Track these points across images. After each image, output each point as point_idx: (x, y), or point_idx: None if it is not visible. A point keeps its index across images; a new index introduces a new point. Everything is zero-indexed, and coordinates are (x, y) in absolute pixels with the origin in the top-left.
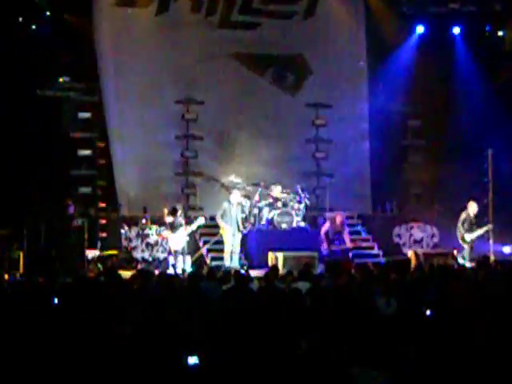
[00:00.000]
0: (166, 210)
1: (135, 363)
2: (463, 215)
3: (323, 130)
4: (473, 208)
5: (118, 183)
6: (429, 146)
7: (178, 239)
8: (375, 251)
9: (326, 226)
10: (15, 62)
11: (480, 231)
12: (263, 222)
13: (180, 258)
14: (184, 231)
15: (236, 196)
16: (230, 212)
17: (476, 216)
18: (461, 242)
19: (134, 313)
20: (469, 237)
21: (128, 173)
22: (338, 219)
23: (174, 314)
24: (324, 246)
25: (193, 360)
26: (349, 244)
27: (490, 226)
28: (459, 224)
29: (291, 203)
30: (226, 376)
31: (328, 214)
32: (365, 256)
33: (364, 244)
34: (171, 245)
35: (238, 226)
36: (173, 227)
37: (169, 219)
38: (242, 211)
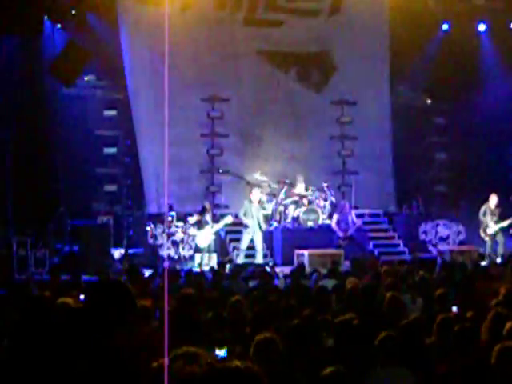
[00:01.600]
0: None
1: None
2: (483, 207)
3: (348, 128)
4: (493, 200)
5: (145, 181)
6: (454, 142)
7: (205, 237)
8: (401, 248)
9: (334, 218)
10: (42, 61)
11: (504, 223)
12: (289, 219)
13: (206, 255)
14: (210, 229)
15: (256, 194)
16: (251, 210)
17: (498, 208)
18: (482, 234)
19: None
20: (491, 229)
21: (154, 171)
22: (341, 206)
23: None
24: (340, 236)
25: (221, 352)
26: (357, 222)
27: None
28: (480, 216)
29: (317, 201)
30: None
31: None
32: (391, 254)
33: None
34: (198, 242)
35: (259, 225)
36: (200, 225)
37: (196, 217)
38: (263, 209)
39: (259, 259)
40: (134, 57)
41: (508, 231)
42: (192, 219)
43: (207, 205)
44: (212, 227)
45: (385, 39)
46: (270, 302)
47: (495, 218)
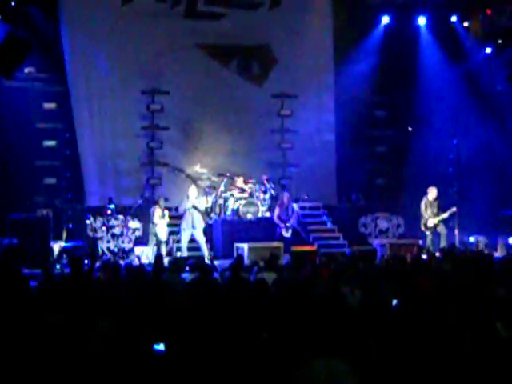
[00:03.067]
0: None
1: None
2: (423, 201)
3: (289, 121)
4: (432, 193)
5: (85, 174)
6: (394, 135)
7: (164, 229)
8: (341, 241)
9: (276, 211)
10: None
11: (444, 215)
12: (229, 212)
13: (164, 247)
14: (165, 221)
15: (193, 191)
16: (187, 206)
17: (437, 201)
18: (423, 228)
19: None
20: (431, 222)
21: (94, 163)
22: (285, 198)
23: (141, 305)
24: (282, 227)
25: (159, 347)
26: (296, 210)
27: (453, 209)
28: (422, 210)
29: (256, 193)
30: (190, 363)
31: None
32: (330, 246)
33: (305, 196)
34: (159, 234)
35: (193, 222)
36: (161, 217)
37: (158, 209)
38: (195, 208)
39: (205, 253)
40: (73, 49)
41: (448, 224)
42: (157, 212)
43: (159, 197)
44: (164, 219)
45: (327, 32)
46: (208, 295)
47: (435, 211)
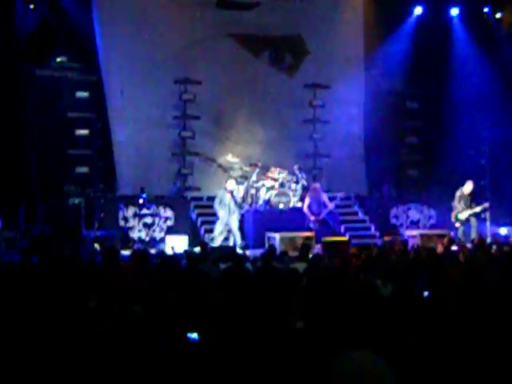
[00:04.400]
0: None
1: (140, 339)
2: (458, 193)
3: (320, 111)
4: (468, 186)
5: (117, 163)
6: (425, 127)
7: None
8: (372, 232)
9: (306, 201)
10: (14, 43)
11: (476, 209)
12: (260, 202)
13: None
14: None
15: (231, 184)
16: (225, 199)
17: (472, 195)
18: (453, 220)
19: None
20: (463, 215)
21: (126, 153)
22: (313, 188)
23: (174, 294)
24: (312, 220)
25: (193, 336)
26: (330, 205)
27: (486, 205)
28: (455, 202)
29: (288, 183)
30: (223, 352)
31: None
32: (362, 237)
33: (340, 194)
34: (232, 224)
35: (229, 211)
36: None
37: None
38: (235, 201)
39: (238, 242)
40: (106, 38)
41: (480, 216)
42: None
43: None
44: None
45: (358, 23)
46: (241, 285)
47: (468, 204)
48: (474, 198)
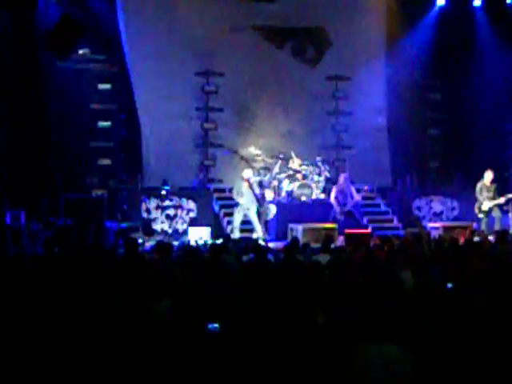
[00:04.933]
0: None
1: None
2: (479, 184)
3: (343, 103)
4: (488, 176)
5: (144, 155)
6: (449, 118)
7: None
8: (395, 224)
9: (333, 192)
10: (36, 35)
11: (499, 200)
12: (283, 194)
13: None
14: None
15: (247, 173)
16: (242, 189)
17: (493, 184)
18: (476, 211)
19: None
20: (486, 205)
21: (149, 144)
22: (341, 179)
23: (196, 285)
24: (337, 211)
25: (214, 326)
26: (356, 197)
27: (510, 196)
28: (477, 193)
29: (311, 175)
30: (245, 343)
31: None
32: (384, 229)
33: (366, 187)
34: (271, 213)
35: (247, 203)
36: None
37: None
38: (252, 189)
39: (259, 233)
40: (129, 30)
41: (503, 207)
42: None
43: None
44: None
45: (380, 14)
46: (263, 277)
47: (491, 195)
48: (496, 189)
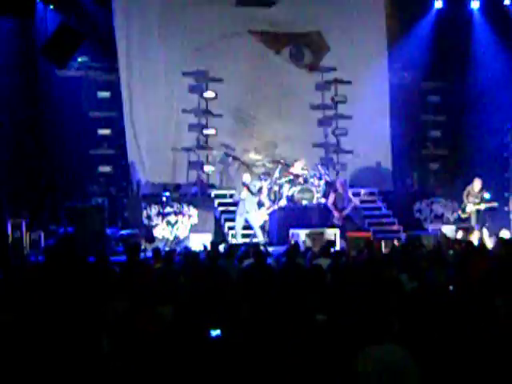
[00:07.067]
0: None
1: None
2: (467, 188)
3: (343, 107)
4: (476, 184)
5: (138, 161)
6: (448, 120)
7: (261, 216)
8: (396, 227)
9: (331, 197)
10: (34, 43)
11: (481, 206)
12: (284, 198)
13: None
14: (266, 210)
15: (245, 178)
16: (242, 194)
17: (481, 192)
18: (460, 212)
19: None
20: (469, 208)
21: (148, 151)
22: (338, 184)
23: (197, 291)
24: (336, 216)
25: (215, 333)
26: (354, 201)
27: (494, 204)
28: (464, 196)
29: (311, 180)
30: (246, 348)
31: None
32: (386, 232)
33: (363, 191)
34: (253, 221)
35: (246, 207)
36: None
37: (259, 197)
38: (250, 191)
39: (260, 238)
40: (125, 37)
41: (502, 210)
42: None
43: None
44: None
45: (379, 17)
46: (263, 281)
47: (477, 201)
48: (483, 198)
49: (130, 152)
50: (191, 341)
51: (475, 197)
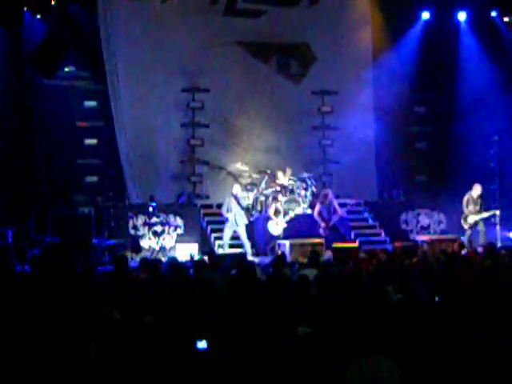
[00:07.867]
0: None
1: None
2: (466, 197)
3: (329, 118)
4: (476, 190)
5: (125, 172)
6: (434, 132)
7: (278, 225)
8: (382, 237)
9: (317, 208)
10: (22, 53)
11: (485, 214)
12: (270, 209)
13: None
14: (283, 218)
15: (236, 189)
16: (231, 205)
17: (481, 198)
18: (462, 222)
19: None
20: (472, 218)
21: (134, 161)
22: (324, 195)
23: (182, 302)
24: (322, 226)
25: (202, 344)
26: (340, 211)
27: (497, 212)
28: (463, 205)
29: (297, 190)
30: (232, 359)
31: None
32: (372, 243)
33: (351, 201)
34: (272, 230)
35: (236, 219)
36: (276, 213)
37: (273, 206)
38: (240, 204)
39: (248, 250)
40: (114, 47)
41: (489, 221)
42: (271, 210)
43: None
44: (284, 216)
45: (366, 28)
46: (249, 292)
47: (477, 208)
48: (483, 203)
49: (122, 160)
50: (176, 350)
51: (475, 203)
